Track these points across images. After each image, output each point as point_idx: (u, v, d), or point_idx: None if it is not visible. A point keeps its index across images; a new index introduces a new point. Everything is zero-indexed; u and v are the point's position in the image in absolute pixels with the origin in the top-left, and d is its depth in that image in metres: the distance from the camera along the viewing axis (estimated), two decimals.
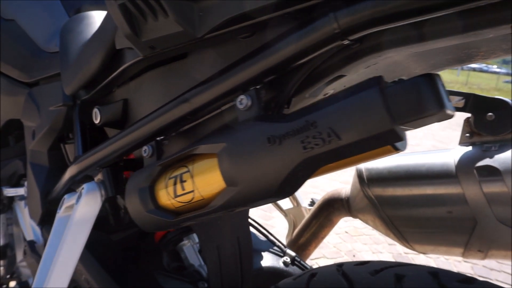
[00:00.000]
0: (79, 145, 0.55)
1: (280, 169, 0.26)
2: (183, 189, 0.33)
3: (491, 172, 0.46)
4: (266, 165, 0.27)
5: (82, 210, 0.46)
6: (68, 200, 0.52)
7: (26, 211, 0.76)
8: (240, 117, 0.31)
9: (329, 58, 0.30)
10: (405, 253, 1.71)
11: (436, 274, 0.39)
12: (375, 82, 0.22)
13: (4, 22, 0.73)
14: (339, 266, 0.47)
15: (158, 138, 0.40)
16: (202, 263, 0.65)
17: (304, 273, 0.49)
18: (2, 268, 0.85)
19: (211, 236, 0.57)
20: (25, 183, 0.76)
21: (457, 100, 0.51)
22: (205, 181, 0.32)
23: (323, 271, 0.47)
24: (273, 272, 0.69)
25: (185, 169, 0.33)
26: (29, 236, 0.74)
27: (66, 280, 0.45)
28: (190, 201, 0.33)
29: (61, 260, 0.45)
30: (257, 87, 0.31)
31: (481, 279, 0.36)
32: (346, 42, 0.27)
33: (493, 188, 0.46)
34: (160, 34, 0.32)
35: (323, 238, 0.75)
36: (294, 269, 0.70)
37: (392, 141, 0.22)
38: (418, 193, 0.52)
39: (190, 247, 0.65)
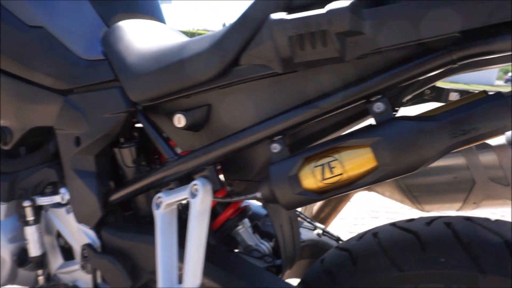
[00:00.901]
0: (166, 147, 0.61)
1: (427, 152, 0.40)
2: (332, 173, 0.45)
3: (485, 146, 0.66)
4: (416, 150, 0.40)
5: (200, 204, 0.54)
6: (168, 198, 0.58)
7: (68, 217, 0.77)
8: (377, 119, 0.44)
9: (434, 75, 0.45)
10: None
11: (470, 218, 0.57)
12: (500, 95, 0.38)
13: (31, 30, 0.72)
14: (393, 224, 0.63)
15: (276, 138, 0.50)
16: (259, 242, 0.75)
17: (365, 233, 0.64)
18: (41, 278, 0.83)
19: (278, 217, 0.69)
20: (62, 190, 0.77)
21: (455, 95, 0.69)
22: (355, 165, 0.44)
23: (382, 229, 0.62)
24: (311, 244, 0.83)
25: (331, 158, 0.45)
26: (79, 241, 0.76)
27: (199, 274, 0.52)
28: (336, 182, 0.45)
29: (191, 255, 0.52)
30: (382, 96, 0.44)
31: None
32: (455, 65, 0.41)
33: (487, 157, 0.66)
34: (314, 58, 0.43)
35: (340, 211, 0.91)
36: (325, 239, 0.85)
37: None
38: (432, 165, 0.70)
39: (245, 231, 0.75)
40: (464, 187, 0.69)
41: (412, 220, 0.62)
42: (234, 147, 0.53)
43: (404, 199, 0.76)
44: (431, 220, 0.59)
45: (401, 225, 0.61)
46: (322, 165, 0.46)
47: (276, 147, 0.50)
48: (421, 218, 0.61)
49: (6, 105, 0.78)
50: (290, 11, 0.44)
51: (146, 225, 0.72)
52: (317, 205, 0.93)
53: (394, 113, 0.47)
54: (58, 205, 0.79)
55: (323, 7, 0.41)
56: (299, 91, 0.50)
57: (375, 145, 0.42)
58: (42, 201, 0.79)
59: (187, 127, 0.60)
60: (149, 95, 0.62)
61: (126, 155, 0.72)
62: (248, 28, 0.48)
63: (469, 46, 0.39)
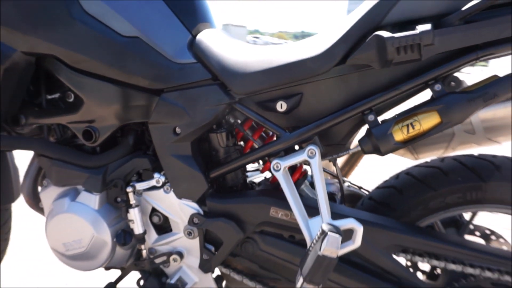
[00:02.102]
0: (275, 126, 0.83)
1: (469, 111, 0.71)
2: (413, 129, 0.74)
3: None
4: (463, 110, 0.71)
5: (318, 162, 0.78)
6: (285, 162, 0.80)
7: (167, 196, 0.92)
8: (436, 94, 0.73)
9: None
10: None
11: (468, 154, 0.91)
12: (507, 76, 0.70)
13: (128, 39, 0.84)
14: (417, 166, 0.94)
15: (367, 112, 0.77)
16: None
17: (399, 174, 0.94)
18: (144, 251, 0.95)
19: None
20: (155, 175, 0.91)
21: None
22: (428, 122, 0.73)
23: (411, 170, 0.94)
24: (347, 193, 1.11)
25: (413, 120, 0.74)
26: (181, 214, 0.92)
27: (328, 208, 0.77)
28: (415, 134, 0.74)
29: (322, 196, 0.76)
30: (437, 80, 0.74)
31: None
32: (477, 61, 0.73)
33: None
34: (405, 59, 0.70)
35: (355, 168, 1.21)
36: (353, 189, 1.14)
37: None
38: None
39: (307, 187, 1.00)
40: (446, 138, 1.04)
41: (427, 162, 0.94)
42: (337, 120, 0.78)
43: (406, 153, 1.09)
44: (442, 159, 0.92)
45: (424, 165, 0.93)
46: (407, 124, 0.74)
47: (371, 117, 0.76)
48: (434, 160, 0.94)
49: (100, 107, 0.88)
50: (381, 29, 0.71)
51: (242, 190, 0.92)
52: (339, 164, 1.22)
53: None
54: (153, 188, 0.93)
55: (406, 26, 0.69)
56: (383, 79, 0.77)
57: (440, 110, 0.72)
58: (141, 186, 0.92)
59: (286, 111, 0.83)
60: (257, 88, 0.82)
61: (222, 138, 0.90)
62: (352, 41, 0.73)
63: (490, 49, 0.70)
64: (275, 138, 0.86)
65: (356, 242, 0.72)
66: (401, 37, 0.68)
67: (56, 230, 0.94)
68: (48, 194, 0.99)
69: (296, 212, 0.78)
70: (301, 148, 0.83)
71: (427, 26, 0.68)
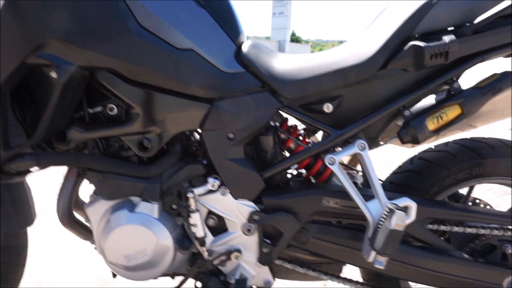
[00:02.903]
0: (326, 126, 0.95)
1: (482, 102, 0.91)
2: (442, 120, 0.91)
3: None
4: (478, 102, 0.90)
5: (368, 153, 0.91)
6: (339, 156, 0.93)
7: (224, 198, 0.99)
8: (455, 91, 0.92)
9: None
10: None
11: (469, 138, 1.13)
12: (507, 72, 0.90)
13: (182, 52, 0.90)
14: (425, 151, 1.14)
15: (402, 108, 0.93)
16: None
17: (412, 159, 1.13)
18: (206, 253, 0.99)
19: None
20: (210, 179, 0.98)
21: None
22: (452, 113, 0.91)
23: (423, 154, 1.12)
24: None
25: (442, 112, 0.91)
26: (239, 214, 0.99)
27: (384, 192, 0.91)
28: (443, 124, 0.91)
29: (376, 182, 0.89)
30: (455, 80, 0.92)
31: None
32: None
33: None
34: (436, 63, 0.87)
35: (357, 164, 1.38)
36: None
37: None
38: None
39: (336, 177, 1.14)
40: None
41: (433, 148, 1.13)
42: (379, 117, 0.93)
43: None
44: (446, 143, 1.12)
45: (432, 150, 1.12)
46: (437, 116, 0.91)
47: (407, 113, 0.92)
48: (438, 145, 1.14)
49: (155, 117, 0.93)
50: (412, 39, 0.87)
51: (292, 185, 1.03)
52: (346, 162, 1.37)
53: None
54: (209, 192, 0.99)
55: (431, 36, 0.86)
56: (413, 80, 0.93)
57: (461, 103, 0.90)
58: (199, 191, 0.98)
59: (331, 112, 0.95)
60: (306, 93, 0.94)
61: (271, 140, 1.00)
62: (390, 49, 0.89)
63: (492, 53, 0.90)
64: (315, 137, 0.98)
65: (412, 216, 0.87)
66: (435, 45, 0.85)
67: (116, 243, 0.95)
68: (97, 209, 0.99)
69: (356, 197, 0.91)
70: (348, 143, 0.96)
71: (452, 37, 0.86)
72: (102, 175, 0.96)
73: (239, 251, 1.01)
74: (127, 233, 0.95)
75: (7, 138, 0.87)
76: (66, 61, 0.84)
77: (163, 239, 0.96)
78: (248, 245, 1.02)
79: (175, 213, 1.00)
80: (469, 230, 1.02)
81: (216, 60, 0.92)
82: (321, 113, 0.96)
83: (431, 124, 0.91)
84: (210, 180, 0.98)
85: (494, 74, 0.94)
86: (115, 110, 0.97)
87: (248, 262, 1.03)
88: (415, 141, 0.93)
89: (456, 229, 1.02)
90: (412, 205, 0.87)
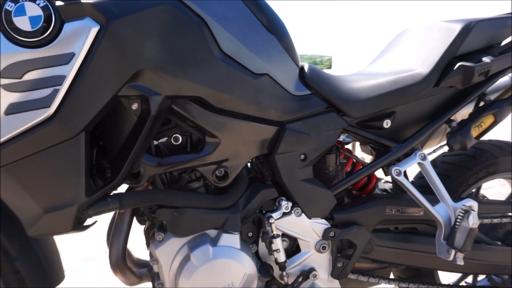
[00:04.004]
0: (387, 140, 1.02)
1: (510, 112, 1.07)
2: (481, 128, 1.05)
3: None
4: (508, 112, 1.07)
5: (430, 162, 1.01)
6: (404, 167, 1.00)
7: (298, 219, 1.00)
8: (488, 103, 1.07)
9: None
10: None
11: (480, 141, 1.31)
12: None
13: (259, 77, 0.90)
14: (444, 155, 1.29)
15: (449, 120, 1.05)
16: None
17: (435, 162, 1.27)
18: (286, 278, 0.96)
19: None
20: (282, 202, 0.98)
21: None
22: (488, 122, 1.06)
23: (446, 159, 1.28)
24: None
25: (480, 121, 1.05)
26: (313, 233, 1.00)
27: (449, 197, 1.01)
28: (482, 131, 1.06)
29: (441, 188, 0.99)
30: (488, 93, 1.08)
31: None
32: None
33: None
34: (479, 80, 1.01)
35: None
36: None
37: None
38: None
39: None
40: (441, 133, 1.42)
41: (449, 152, 1.29)
42: (433, 129, 1.03)
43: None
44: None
45: (451, 154, 1.27)
46: (478, 125, 1.05)
47: (454, 123, 1.05)
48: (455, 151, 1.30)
49: (235, 145, 0.90)
50: (457, 59, 1.00)
51: (359, 197, 1.08)
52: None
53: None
54: (283, 215, 0.99)
55: (468, 56, 1.00)
56: (454, 95, 1.06)
57: (495, 113, 1.06)
58: (276, 215, 0.97)
59: (389, 127, 1.03)
60: (370, 111, 1.00)
61: (337, 157, 1.04)
62: (441, 69, 1.00)
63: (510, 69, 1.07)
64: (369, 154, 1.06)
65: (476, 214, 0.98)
66: (481, 65, 0.99)
67: (203, 281, 0.89)
68: (169, 248, 0.92)
69: (425, 203, 0.99)
70: (407, 155, 1.04)
71: (491, 57, 1.00)
72: (178, 210, 0.89)
73: (314, 269, 1.02)
74: (214, 269, 0.89)
75: (89, 183, 0.77)
76: (155, 91, 0.77)
77: (249, 269, 0.92)
78: (321, 262, 1.04)
79: (251, 241, 0.98)
80: (495, 220, 1.19)
81: (287, 84, 0.93)
82: (380, 129, 1.03)
83: (474, 132, 1.05)
84: (283, 202, 0.98)
85: None
86: (180, 140, 0.91)
87: (321, 279, 1.04)
88: (463, 148, 1.05)
89: (486, 221, 1.18)
90: (475, 205, 0.98)
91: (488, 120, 1.06)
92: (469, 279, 1.40)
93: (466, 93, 1.06)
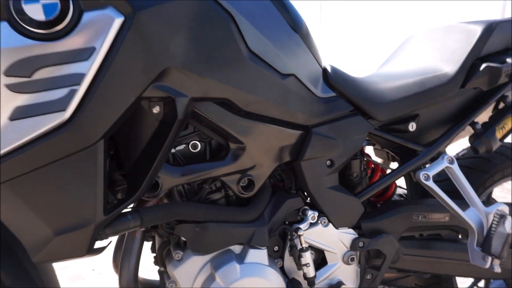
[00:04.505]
0: (413, 144, 0.97)
1: None
2: (504, 129, 1.03)
3: None
4: None
5: (457, 165, 0.97)
6: (432, 171, 0.96)
7: (325, 230, 0.93)
8: (509, 104, 1.05)
9: None
10: None
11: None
12: None
13: (285, 77, 0.83)
14: (457, 158, 1.27)
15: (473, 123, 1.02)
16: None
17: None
18: None
19: None
20: (309, 212, 0.92)
21: None
22: (510, 124, 1.04)
23: (462, 162, 1.25)
24: None
25: (503, 123, 1.03)
26: (340, 244, 0.94)
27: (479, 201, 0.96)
28: (506, 133, 1.04)
29: (472, 194, 0.95)
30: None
31: None
32: None
33: None
34: (503, 82, 0.98)
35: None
36: None
37: None
38: None
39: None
40: None
41: (463, 155, 1.27)
42: (458, 132, 1.00)
43: None
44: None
45: (467, 157, 1.25)
46: (501, 127, 1.03)
47: (479, 126, 1.02)
48: (467, 153, 1.27)
49: (261, 151, 0.83)
50: (480, 60, 0.98)
51: (386, 205, 1.02)
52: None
53: None
54: (310, 225, 0.92)
55: (489, 58, 0.98)
56: (476, 97, 1.03)
57: None
58: (304, 227, 0.90)
59: (414, 130, 0.99)
60: (397, 114, 0.95)
61: (362, 162, 0.98)
62: (466, 69, 0.97)
63: None
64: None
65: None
66: (507, 65, 0.96)
67: None
68: (190, 267, 0.83)
69: (456, 208, 0.95)
70: (434, 159, 1.00)
71: None
72: (200, 225, 0.81)
73: (342, 283, 0.95)
74: None
75: (106, 198, 0.67)
76: (182, 92, 0.68)
77: (279, 286, 0.84)
78: (348, 275, 0.97)
79: (277, 255, 0.90)
80: None
81: (312, 85, 0.87)
82: (405, 132, 0.98)
83: (498, 134, 1.03)
84: (310, 212, 0.91)
85: None
86: (199, 147, 0.83)
87: None
88: (489, 151, 1.02)
89: None
90: (506, 209, 0.95)
91: (510, 121, 1.04)
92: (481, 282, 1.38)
93: (488, 94, 1.04)
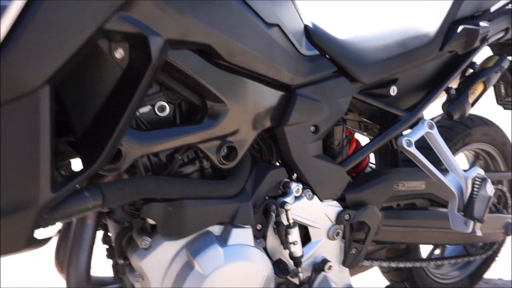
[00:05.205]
0: (394, 108, 0.92)
1: None
2: (475, 95, 1.02)
3: None
4: None
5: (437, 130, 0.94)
6: (414, 137, 0.91)
7: (310, 203, 0.84)
8: (477, 71, 1.04)
9: None
10: None
11: None
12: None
13: (270, 27, 0.72)
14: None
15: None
16: None
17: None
18: (301, 274, 0.78)
19: None
20: (292, 185, 0.82)
21: None
22: (479, 89, 1.03)
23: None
24: None
25: (474, 89, 1.02)
26: (325, 219, 0.86)
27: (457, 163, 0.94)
28: (475, 97, 1.03)
29: (449, 157, 0.92)
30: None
31: None
32: None
33: None
34: (477, 46, 0.97)
35: None
36: None
37: None
38: None
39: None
40: None
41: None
42: (436, 96, 0.97)
43: None
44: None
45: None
46: (472, 92, 1.02)
47: (453, 91, 1.00)
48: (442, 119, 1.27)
49: (244, 113, 0.71)
50: (455, 23, 0.95)
51: (366, 176, 0.96)
52: None
53: None
54: (295, 199, 0.82)
55: (462, 21, 0.96)
56: (454, 61, 1.01)
57: (485, 81, 1.03)
58: (290, 200, 0.79)
59: (395, 95, 0.94)
60: (381, 76, 0.89)
61: (343, 129, 0.90)
62: (444, 33, 0.94)
63: (494, 36, 1.07)
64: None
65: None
66: (483, 27, 0.95)
67: None
68: (160, 256, 0.68)
69: (438, 174, 0.92)
70: (413, 125, 0.95)
71: (486, 22, 0.97)
72: (174, 204, 0.66)
73: (327, 260, 0.87)
74: (229, 275, 0.68)
75: (54, 171, 0.48)
76: (155, 30, 0.53)
77: (267, 270, 0.73)
78: (332, 251, 0.89)
79: (260, 235, 0.79)
80: None
81: (296, 41, 0.77)
82: (387, 97, 0.93)
83: (470, 99, 1.02)
84: (293, 185, 0.81)
85: (494, 57, 1.12)
86: (167, 110, 0.68)
87: (333, 270, 0.90)
88: (463, 116, 1.01)
89: None
90: (481, 171, 0.95)
91: (479, 88, 1.04)
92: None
93: (461, 59, 1.02)
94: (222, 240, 0.70)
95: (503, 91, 1.33)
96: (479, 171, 0.94)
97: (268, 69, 0.72)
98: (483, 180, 0.89)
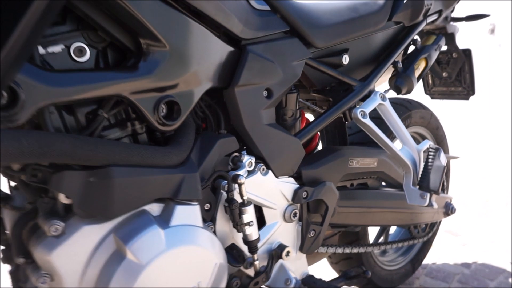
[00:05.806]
0: (348, 77, 0.86)
1: None
2: (419, 70, 1.02)
3: None
4: None
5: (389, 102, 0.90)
6: (368, 108, 0.86)
7: (265, 179, 0.73)
8: (419, 47, 1.04)
9: None
10: None
11: None
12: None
13: None
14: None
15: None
16: None
17: None
18: (257, 262, 0.64)
19: None
20: (245, 157, 0.71)
21: None
22: (422, 65, 1.03)
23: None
24: None
25: (418, 64, 1.01)
26: (280, 198, 0.75)
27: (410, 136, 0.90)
28: (419, 73, 1.03)
29: (401, 129, 0.88)
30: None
31: None
32: None
33: None
34: (419, 20, 0.96)
35: None
36: None
37: None
38: None
39: None
40: None
41: None
42: (386, 68, 0.93)
43: None
44: None
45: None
46: (416, 67, 1.01)
47: (400, 65, 0.97)
48: None
49: (180, 60, 0.57)
50: None
51: (321, 152, 0.87)
52: None
53: None
54: (248, 174, 0.70)
55: None
56: (400, 34, 0.99)
57: (426, 57, 1.04)
58: (243, 174, 0.67)
59: (347, 63, 0.89)
60: (335, 41, 0.83)
61: (296, 99, 0.81)
62: (391, 2, 0.91)
63: (432, 16, 1.08)
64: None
65: None
66: (427, 1, 0.94)
67: (156, 284, 0.51)
68: (78, 245, 0.50)
69: (391, 147, 0.87)
70: (366, 97, 0.90)
71: None
72: (97, 174, 0.50)
73: (284, 246, 0.76)
74: (172, 263, 0.53)
75: None
76: None
77: (220, 256, 0.60)
78: (289, 235, 0.79)
79: (209, 216, 0.65)
80: None
81: None
82: (339, 66, 0.87)
83: (416, 73, 1.01)
84: (246, 157, 0.70)
85: (432, 36, 1.14)
86: (87, 55, 0.52)
87: (290, 258, 0.80)
88: (410, 90, 0.99)
89: None
90: (431, 143, 0.92)
91: (422, 63, 1.04)
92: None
93: (406, 33, 1.01)
94: (163, 220, 0.55)
95: (430, 81, 1.38)
96: (430, 143, 0.92)
97: (217, 12, 0.60)
98: (436, 150, 0.86)
